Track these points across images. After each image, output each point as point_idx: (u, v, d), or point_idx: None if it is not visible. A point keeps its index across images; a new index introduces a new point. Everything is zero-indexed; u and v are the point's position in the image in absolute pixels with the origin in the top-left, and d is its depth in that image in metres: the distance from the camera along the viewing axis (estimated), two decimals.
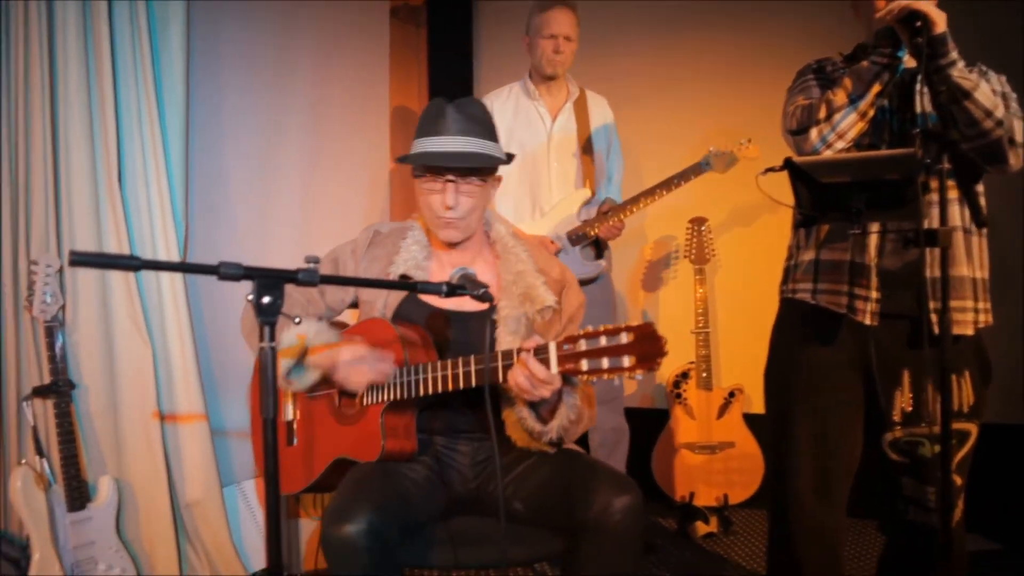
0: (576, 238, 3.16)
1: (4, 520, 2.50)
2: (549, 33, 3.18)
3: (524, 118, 3.31)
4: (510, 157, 2.01)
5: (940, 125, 1.88)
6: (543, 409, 1.84)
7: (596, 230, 3.16)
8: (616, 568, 1.73)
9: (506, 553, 1.80)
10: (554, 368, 1.61)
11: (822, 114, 1.96)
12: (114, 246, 2.61)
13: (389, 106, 4.17)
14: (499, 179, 2.05)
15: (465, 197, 1.93)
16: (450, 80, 4.37)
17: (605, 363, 1.53)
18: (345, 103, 3.81)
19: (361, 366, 1.84)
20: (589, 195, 3.25)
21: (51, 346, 2.42)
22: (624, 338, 1.51)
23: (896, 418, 2.05)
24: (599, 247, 3.29)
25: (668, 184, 3.12)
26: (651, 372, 1.50)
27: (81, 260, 1.12)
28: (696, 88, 4.08)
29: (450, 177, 1.90)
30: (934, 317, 1.89)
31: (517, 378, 1.67)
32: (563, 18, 3.18)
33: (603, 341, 1.54)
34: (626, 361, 1.51)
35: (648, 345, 1.49)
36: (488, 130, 1.95)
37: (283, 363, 1.86)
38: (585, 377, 1.57)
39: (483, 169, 1.94)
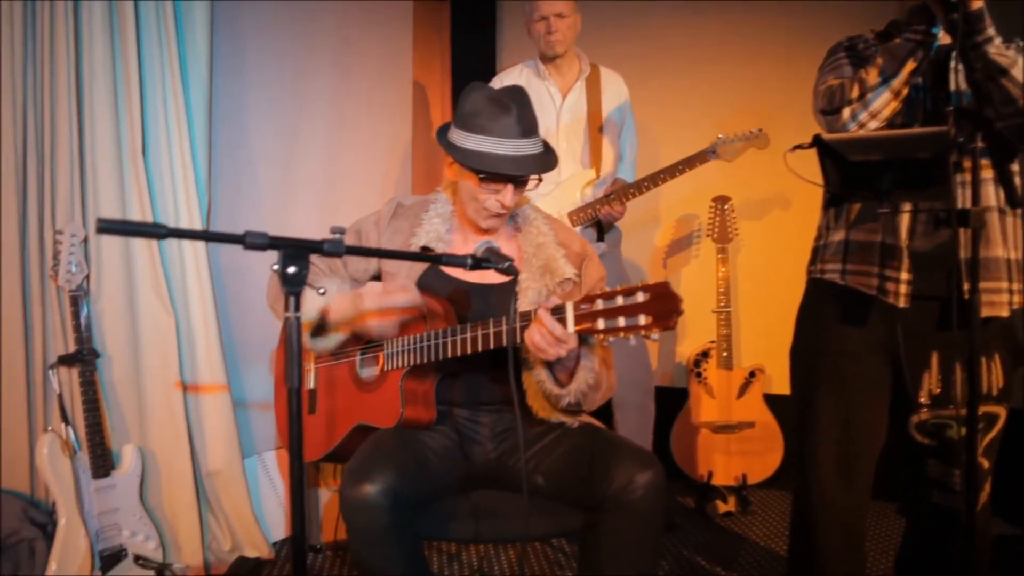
0: (577, 219, 3.15)
1: (31, 486, 2.54)
2: (539, 16, 3.19)
3: (535, 97, 3.26)
4: (548, 146, 2.00)
5: (975, 103, 1.85)
6: (560, 372, 1.83)
7: (597, 212, 3.14)
8: (638, 543, 1.73)
9: (527, 527, 1.80)
10: (571, 327, 1.60)
11: (854, 93, 1.93)
12: (138, 216, 2.62)
13: (412, 81, 4.16)
14: None
15: (518, 195, 1.95)
16: (473, 56, 4.35)
17: (621, 322, 1.52)
18: (368, 78, 3.79)
19: (386, 308, 1.86)
20: (594, 175, 3.23)
21: (76, 315, 2.44)
22: (640, 297, 1.50)
23: (924, 400, 2.03)
24: (600, 229, 3.27)
25: (673, 170, 3.09)
26: (667, 330, 1.48)
27: (108, 227, 1.12)
28: (716, 66, 4.03)
29: (512, 180, 1.90)
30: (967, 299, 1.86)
31: (533, 336, 1.66)
32: None
33: (619, 300, 1.53)
34: (642, 319, 1.49)
35: (664, 303, 1.47)
36: (537, 125, 1.95)
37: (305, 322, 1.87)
38: (602, 336, 1.56)
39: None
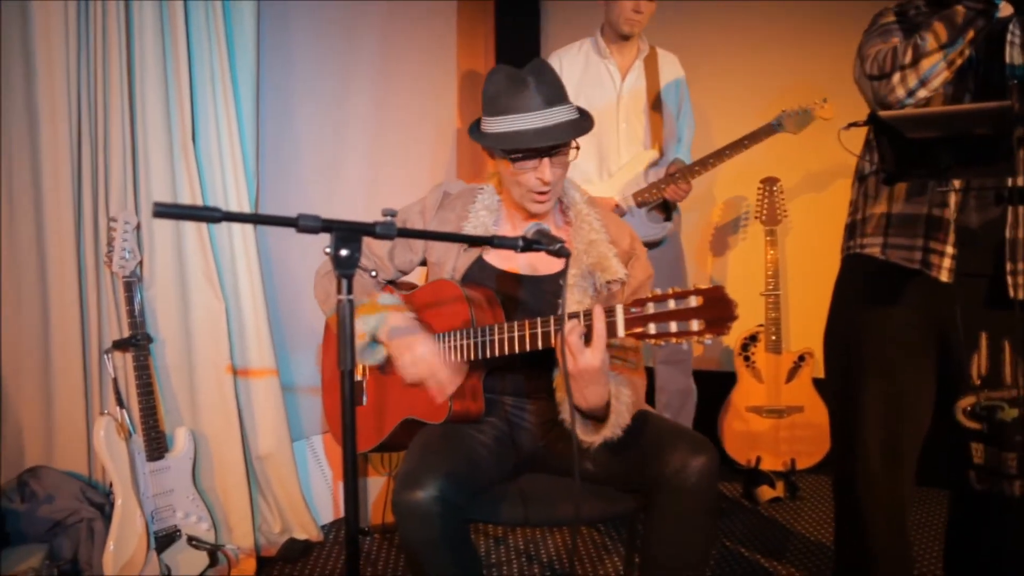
0: (643, 200, 3.11)
1: (89, 467, 2.59)
2: None
3: (594, 76, 3.25)
4: (584, 113, 1.94)
5: None
6: (591, 417, 1.79)
7: (663, 192, 3.10)
8: (691, 527, 1.71)
9: (579, 511, 1.79)
10: (621, 331, 1.56)
11: (908, 58, 1.85)
12: (188, 202, 2.66)
13: (456, 67, 4.15)
14: None
15: (559, 168, 1.88)
16: (517, 41, 4.33)
17: (673, 327, 1.48)
18: (413, 64, 3.80)
19: (421, 363, 1.86)
20: (657, 156, 3.19)
21: (130, 300, 2.48)
22: (693, 301, 1.46)
23: (973, 383, 1.97)
24: (667, 209, 3.23)
25: (738, 146, 3.05)
26: (720, 336, 1.45)
27: (165, 212, 1.13)
28: (770, 46, 3.96)
29: (545, 153, 1.84)
30: (1009, 280, 1.80)
31: (572, 335, 1.62)
32: None
33: (671, 304, 1.49)
34: (695, 325, 1.46)
35: (718, 309, 1.44)
36: (564, 92, 1.88)
37: (359, 330, 1.87)
38: (653, 341, 1.53)
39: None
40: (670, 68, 3.29)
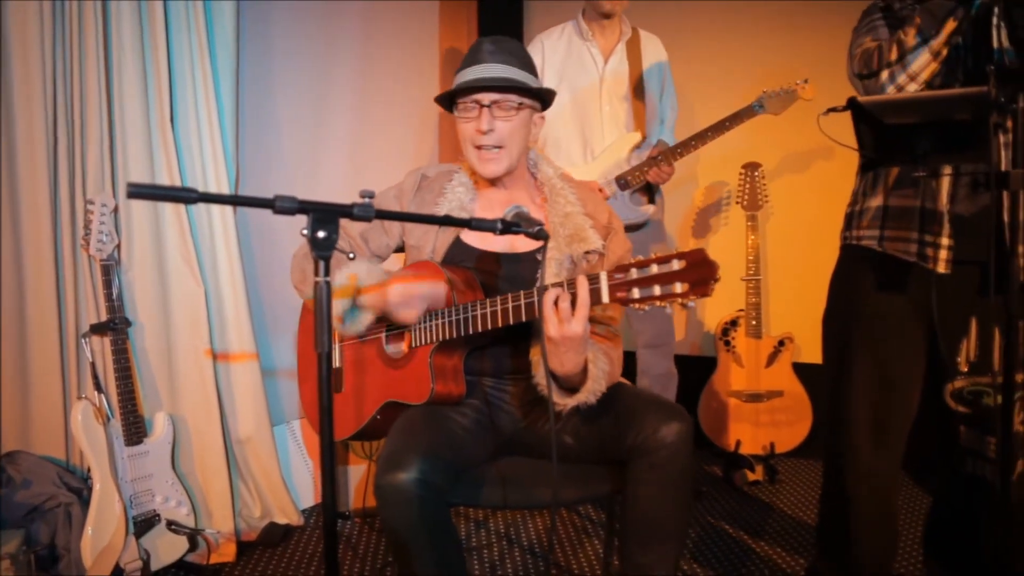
0: (625, 183, 3.11)
1: (67, 452, 2.58)
2: None
3: (576, 59, 3.24)
4: (549, 93, 1.98)
5: (1018, 62, 1.80)
6: (567, 383, 1.80)
7: (646, 175, 3.10)
8: (667, 494, 1.72)
9: (557, 493, 1.80)
10: (605, 297, 1.57)
11: (893, 55, 1.88)
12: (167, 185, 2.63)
13: (439, 47, 4.13)
14: (542, 117, 2.02)
15: (500, 122, 1.91)
16: (499, 21, 4.30)
17: (657, 290, 1.48)
18: (395, 44, 3.77)
19: (413, 298, 1.84)
20: (640, 138, 3.19)
21: (107, 284, 2.46)
22: (676, 265, 1.47)
23: (961, 367, 2.00)
24: (650, 192, 3.23)
25: (720, 127, 3.05)
26: (703, 297, 1.46)
27: (139, 192, 1.12)
28: (752, 28, 3.97)
29: (484, 101, 1.90)
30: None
31: (563, 301, 1.63)
32: None
33: (654, 269, 1.49)
34: (678, 287, 1.46)
35: (701, 271, 1.45)
36: (525, 63, 1.96)
37: (337, 306, 1.86)
38: (637, 306, 1.54)
39: (517, 92, 1.91)
40: (653, 51, 3.28)
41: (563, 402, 1.79)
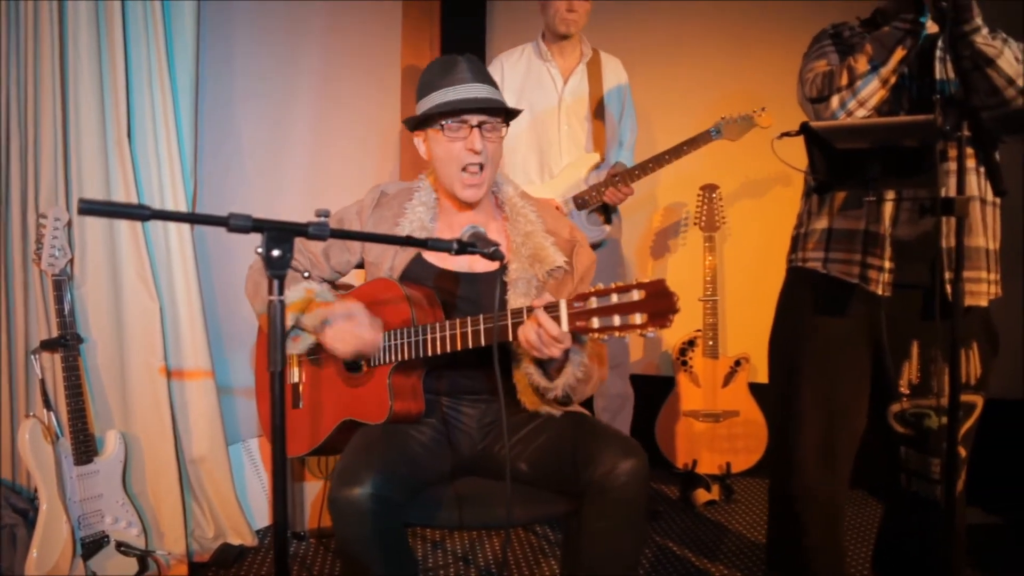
0: (582, 202, 3.14)
1: (12, 472, 2.52)
2: None
3: (535, 79, 3.27)
4: (518, 114, 1.99)
5: (961, 92, 1.86)
6: (551, 367, 1.82)
7: (603, 195, 3.13)
8: (621, 530, 1.73)
9: (510, 514, 1.80)
10: (565, 326, 1.58)
11: (843, 81, 1.93)
12: (123, 200, 2.60)
13: (400, 65, 4.13)
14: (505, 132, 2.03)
15: (489, 144, 1.91)
16: (462, 40, 4.32)
17: (616, 320, 1.50)
18: (357, 62, 3.77)
19: (347, 334, 1.83)
20: (598, 159, 3.22)
21: (59, 300, 2.42)
22: (636, 295, 1.48)
23: (904, 389, 2.04)
24: (607, 212, 3.26)
25: (677, 151, 3.09)
26: (663, 329, 1.47)
27: (91, 209, 1.11)
28: (712, 51, 4.04)
29: (472, 122, 1.88)
30: (948, 288, 1.87)
31: (528, 334, 1.65)
32: None
33: (614, 298, 1.51)
34: (638, 318, 1.47)
35: (660, 302, 1.46)
36: (495, 84, 1.97)
37: (290, 319, 1.86)
38: (596, 335, 1.55)
39: (503, 115, 1.93)
40: (613, 72, 3.31)
41: (549, 385, 1.82)
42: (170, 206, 2.70)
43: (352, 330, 1.83)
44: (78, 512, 2.42)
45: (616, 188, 3.10)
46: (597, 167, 3.21)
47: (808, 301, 2.13)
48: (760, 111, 3.08)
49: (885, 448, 2.14)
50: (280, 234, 1.24)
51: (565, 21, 3.15)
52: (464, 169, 1.91)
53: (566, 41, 3.23)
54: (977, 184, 1.95)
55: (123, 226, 2.63)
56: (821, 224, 2.09)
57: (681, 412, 3.67)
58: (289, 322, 1.86)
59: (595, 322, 1.53)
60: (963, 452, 2.01)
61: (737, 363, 3.65)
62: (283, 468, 1.27)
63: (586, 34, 3.30)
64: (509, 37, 4.17)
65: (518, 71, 3.29)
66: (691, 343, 3.68)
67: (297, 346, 1.90)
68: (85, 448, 2.45)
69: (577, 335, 1.66)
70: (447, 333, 1.78)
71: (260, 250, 1.23)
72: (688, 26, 4.07)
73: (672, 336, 3.97)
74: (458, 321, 1.77)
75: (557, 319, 1.60)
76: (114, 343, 2.65)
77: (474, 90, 1.88)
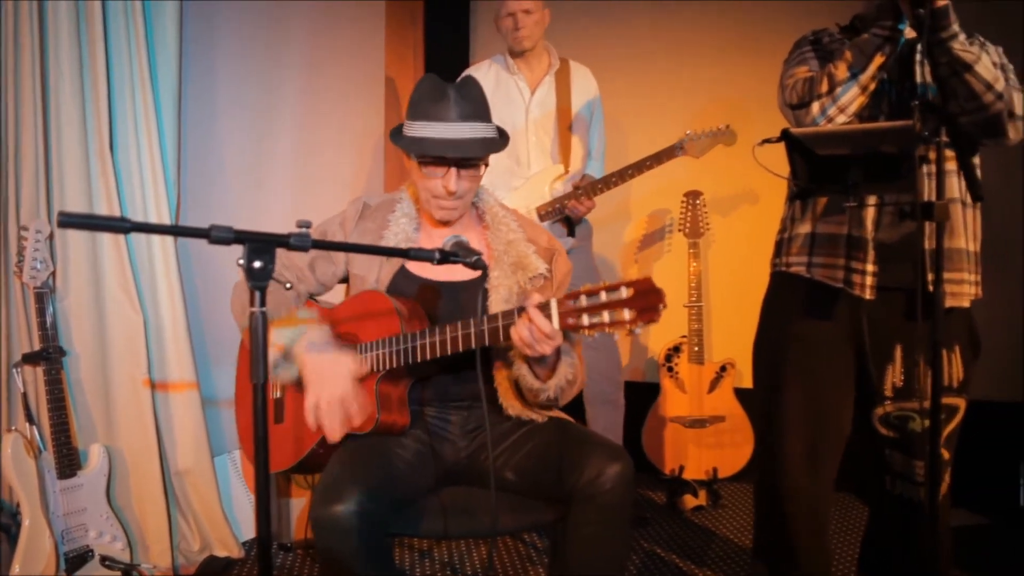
0: (545, 213, 3.15)
1: None
2: (506, 12, 3.19)
3: (503, 92, 3.28)
4: (505, 135, 1.99)
5: (939, 98, 1.87)
6: (542, 368, 1.84)
7: (566, 207, 3.14)
8: (607, 536, 1.74)
9: (496, 523, 1.80)
10: (556, 323, 1.62)
11: (824, 87, 1.95)
12: (105, 212, 2.59)
13: (384, 77, 4.14)
14: None
15: (466, 181, 1.92)
16: (445, 52, 4.33)
17: (606, 317, 1.54)
18: (340, 73, 3.77)
19: (334, 405, 1.78)
20: (563, 171, 3.23)
21: (41, 312, 2.40)
22: (624, 292, 1.52)
23: (887, 393, 2.06)
24: (570, 224, 3.27)
25: (640, 166, 3.09)
26: (651, 324, 1.50)
27: (70, 222, 1.11)
28: (686, 59, 4.06)
29: (451, 161, 1.88)
30: (931, 289, 1.88)
31: (521, 332, 1.66)
32: None
33: (603, 296, 1.55)
34: (627, 314, 1.52)
35: (648, 298, 1.50)
36: (486, 112, 1.94)
37: (281, 336, 1.83)
38: (587, 332, 1.57)
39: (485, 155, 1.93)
40: (582, 82, 3.33)
41: (542, 386, 1.84)
42: (153, 218, 2.69)
43: (337, 405, 1.78)
44: (61, 526, 2.40)
45: (578, 200, 3.11)
46: (562, 178, 3.23)
47: (792, 305, 2.14)
48: (725, 127, 3.08)
49: (870, 451, 2.15)
50: (261, 245, 1.24)
51: (516, 39, 3.20)
52: (440, 200, 1.93)
53: (530, 53, 3.26)
54: (958, 186, 1.97)
55: (106, 238, 2.62)
56: (804, 229, 2.10)
57: (667, 418, 3.67)
58: (284, 340, 1.83)
59: (585, 319, 1.57)
60: (946, 454, 2.03)
61: (723, 368, 3.67)
62: (266, 480, 1.26)
63: (555, 44, 3.32)
64: (493, 46, 4.17)
65: (486, 85, 3.26)
66: (677, 349, 3.69)
67: (287, 374, 1.86)
68: (68, 462, 2.43)
69: (567, 333, 1.67)
70: (436, 338, 1.78)
71: (241, 262, 1.23)
72: (661, 34, 4.10)
73: (658, 342, 3.98)
74: (448, 326, 1.77)
75: (548, 318, 1.62)
76: (97, 356, 2.63)
77: (458, 131, 1.86)
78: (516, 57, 3.29)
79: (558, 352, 1.79)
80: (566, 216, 3.19)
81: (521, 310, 1.67)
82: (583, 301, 1.57)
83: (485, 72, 3.33)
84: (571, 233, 3.26)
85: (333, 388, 1.77)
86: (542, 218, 3.14)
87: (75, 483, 2.45)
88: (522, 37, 3.18)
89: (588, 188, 3.11)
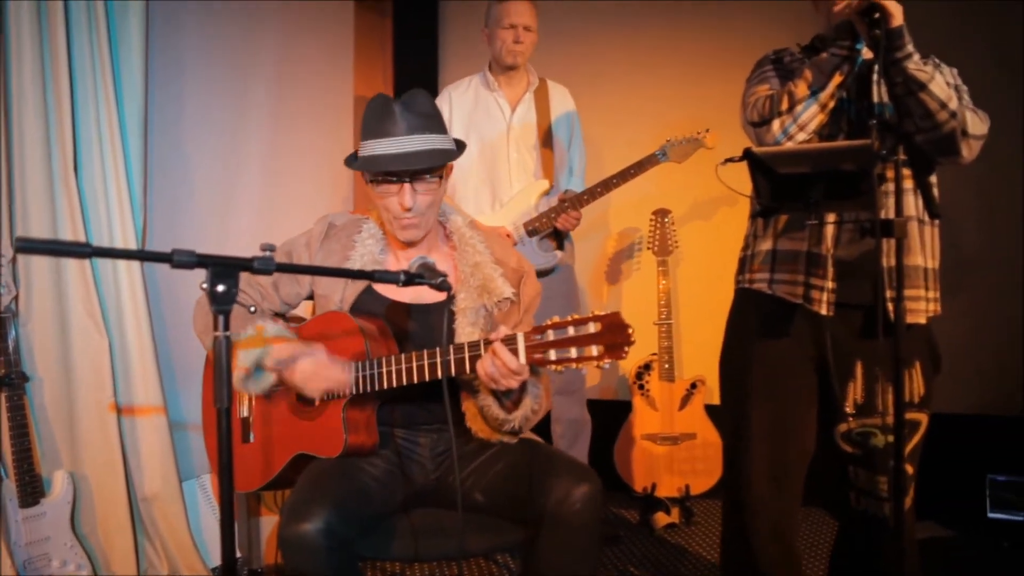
0: (533, 229, 3.16)
1: None
2: (509, 23, 3.19)
3: (484, 109, 3.30)
4: (461, 145, 1.97)
5: (896, 117, 1.91)
6: (507, 399, 1.83)
7: (554, 221, 3.16)
8: (575, 556, 1.74)
9: (464, 544, 1.80)
10: (522, 358, 1.61)
11: (784, 105, 1.98)
12: (69, 236, 2.56)
13: (353, 96, 4.14)
14: (451, 168, 2.01)
15: (422, 196, 1.90)
16: (415, 70, 4.34)
17: (573, 352, 1.54)
18: (309, 93, 3.77)
19: (318, 375, 1.81)
20: (548, 186, 3.25)
21: (3, 337, 2.37)
22: (592, 327, 1.52)
23: (849, 409, 2.07)
24: (558, 237, 3.29)
25: (624, 175, 3.13)
26: (618, 361, 1.51)
27: (29, 247, 1.10)
28: (659, 77, 4.10)
29: (404, 176, 1.86)
30: (889, 306, 1.91)
31: (486, 367, 1.66)
32: (522, 8, 3.19)
33: (571, 331, 1.55)
34: (594, 350, 1.52)
35: (616, 334, 1.50)
36: (437, 123, 1.91)
37: (246, 357, 1.82)
38: (553, 367, 1.57)
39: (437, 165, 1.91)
40: (560, 100, 3.36)
41: (507, 417, 1.83)
42: (119, 241, 2.66)
43: (321, 371, 1.81)
44: (23, 556, 2.35)
45: (566, 214, 3.13)
46: (547, 194, 3.25)
47: (755, 322, 2.16)
48: (704, 132, 3.15)
49: (835, 467, 2.17)
50: (225, 269, 1.23)
51: (512, 52, 3.20)
52: (399, 219, 1.92)
53: (513, 71, 3.28)
54: (915, 204, 2.00)
55: (70, 261, 2.58)
56: (766, 246, 2.12)
57: (639, 436, 3.68)
58: (249, 361, 1.83)
59: (552, 354, 1.57)
60: (910, 469, 2.05)
61: (693, 385, 3.68)
62: (230, 506, 1.25)
63: (533, 63, 3.34)
64: (463, 65, 4.20)
65: (466, 102, 3.32)
66: (647, 367, 3.71)
67: (259, 385, 1.85)
68: (31, 490, 2.39)
69: (534, 367, 1.67)
70: (403, 366, 1.78)
71: (205, 285, 1.23)
72: (635, 54, 4.14)
73: (628, 360, 3.98)
74: (414, 354, 1.77)
75: (515, 352, 1.62)
76: (61, 380, 2.59)
77: (405, 144, 1.84)
78: (498, 74, 3.30)
79: (524, 385, 1.78)
80: (555, 230, 3.20)
81: (487, 343, 1.66)
82: (550, 335, 1.57)
83: (465, 89, 3.35)
84: (560, 247, 3.28)
85: (313, 360, 1.80)
86: (530, 234, 3.15)
87: (38, 511, 2.41)
88: (518, 52, 3.20)
89: (574, 200, 3.14)
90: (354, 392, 1.84)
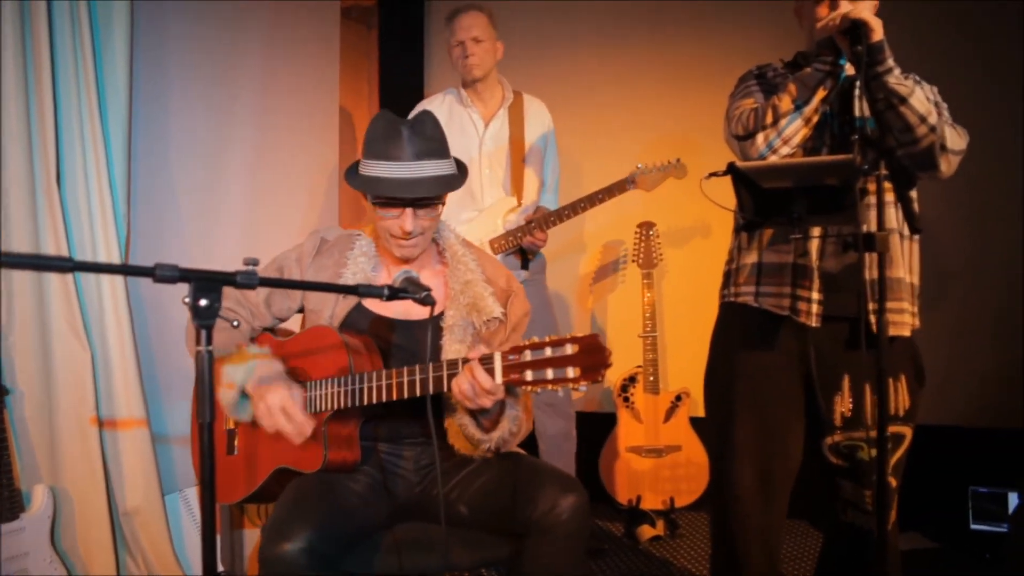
0: (499, 246, 3.16)
1: None
2: (456, 41, 3.22)
3: (457, 125, 3.30)
4: (464, 169, 1.98)
5: (878, 132, 1.93)
6: (485, 419, 1.82)
7: (520, 240, 3.16)
8: (561, 567, 1.73)
9: (449, 559, 1.79)
10: (499, 378, 1.61)
11: (769, 119, 2.00)
12: (52, 249, 2.54)
13: (338, 108, 4.14)
14: None
15: (423, 220, 1.91)
16: (401, 82, 4.35)
17: (550, 374, 1.54)
18: (294, 104, 3.76)
19: (273, 415, 1.78)
20: (515, 203, 3.25)
21: None
22: (569, 349, 1.52)
23: (836, 422, 2.08)
24: (524, 256, 3.28)
25: (592, 199, 3.13)
26: (595, 383, 1.50)
27: (9, 262, 1.09)
28: (639, 93, 4.12)
29: (407, 201, 1.86)
30: (873, 318, 1.92)
31: (461, 386, 1.66)
32: (467, 22, 3.20)
33: (548, 352, 1.54)
34: (571, 372, 1.51)
35: (593, 356, 1.50)
36: (443, 148, 1.91)
37: (236, 373, 1.81)
38: (529, 388, 1.57)
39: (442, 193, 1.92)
40: (536, 115, 3.36)
41: (484, 437, 1.82)
42: (102, 255, 2.65)
43: (277, 415, 1.78)
44: (3, 572, 2.32)
45: (532, 234, 3.13)
46: (517, 210, 3.25)
47: (741, 335, 2.17)
48: (675, 162, 3.15)
49: (822, 479, 2.18)
50: (207, 284, 1.23)
51: (466, 67, 3.23)
52: (397, 239, 1.93)
53: (484, 85, 3.28)
54: (896, 218, 2.02)
55: (52, 275, 2.57)
56: (751, 259, 2.13)
57: (624, 448, 3.68)
58: (233, 379, 1.82)
59: (529, 375, 1.56)
60: (894, 482, 2.06)
61: (678, 398, 3.69)
62: (211, 520, 1.24)
63: (510, 77, 3.35)
64: (448, 76, 4.19)
65: (440, 117, 3.29)
66: (632, 379, 3.71)
67: (245, 413, 1.84)
68: (10, 505, 2.36)
69: (511, 388, 1.67)
70: (383, 383, 1.78)
71: (187, 300, 1.22)
72: (614, 68, 4.16)
73: (613, 372, 3.99)
74: (394, 371, 1.77)
75: (491, 371, 1.62)
76: (42, 394, 2.57)
77: (411, 170, 1.84)
78: (469, 89, 3.31)
79: (502, 405, 1.78)
80: (520, 248, 3.20)
81: (465, 361, 1.66)
82: (527, 356, 1.57)
83: (439, 104, 3.34)
84: (524, 266, 3.27)
85: (275, 400, 1.78)
86: (495, 251, 3.15)
87: (17, 526, 2.38)
88: (471, 65, 3.20)
89: (541, 221, 3.14)
90: (335, 407, 1.83)
